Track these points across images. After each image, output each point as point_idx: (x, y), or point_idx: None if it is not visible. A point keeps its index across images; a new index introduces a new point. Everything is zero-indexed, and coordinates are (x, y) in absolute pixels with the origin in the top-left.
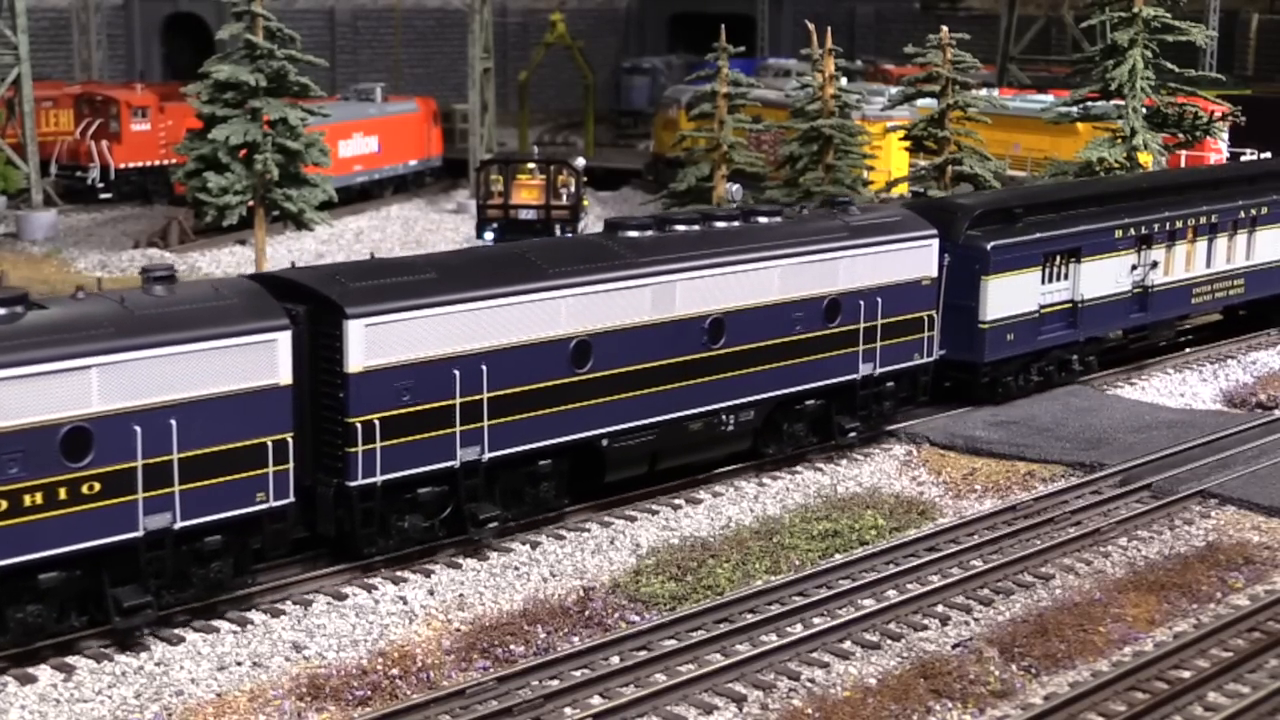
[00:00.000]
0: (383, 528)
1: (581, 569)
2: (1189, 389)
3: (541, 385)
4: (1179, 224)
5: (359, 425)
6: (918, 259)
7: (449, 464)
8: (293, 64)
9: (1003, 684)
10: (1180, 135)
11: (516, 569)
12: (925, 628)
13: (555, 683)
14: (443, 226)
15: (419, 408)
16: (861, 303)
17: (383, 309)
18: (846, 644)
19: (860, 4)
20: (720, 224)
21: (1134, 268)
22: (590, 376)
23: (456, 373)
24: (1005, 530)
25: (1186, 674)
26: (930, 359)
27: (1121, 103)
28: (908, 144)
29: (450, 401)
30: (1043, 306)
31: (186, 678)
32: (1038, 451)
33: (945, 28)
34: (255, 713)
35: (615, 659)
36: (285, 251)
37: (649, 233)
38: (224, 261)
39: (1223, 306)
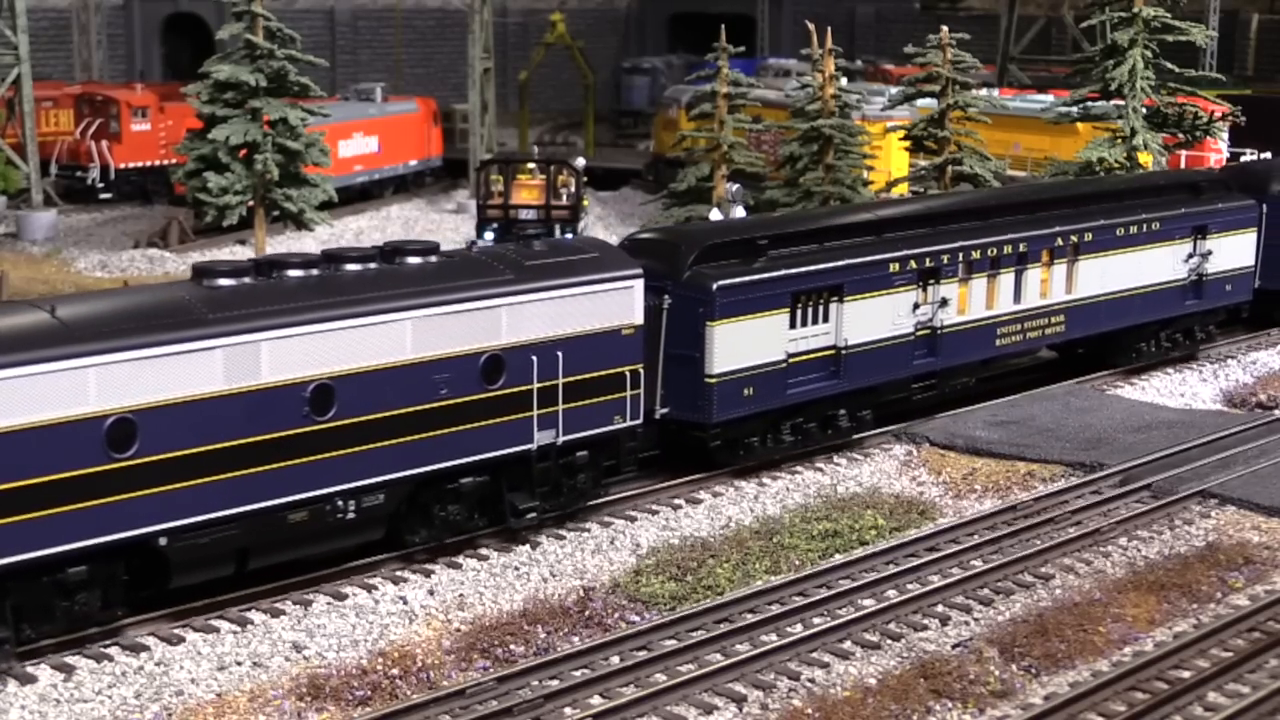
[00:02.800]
0: None
1: (581, 569)
2: (1189, 389)
3: (66, 475)
4: (976, 254)
5: None
6: (616, 304)
7: None
8: (293, 64)
9: (1003, 684)
10: (1180, 135)
11: (516, 569)
12: (925, 628)
13: (555, 683)
14: (443, 226)
15: None
16: (535, 358)
17: None
18: (846, 644)
19: (860, 4)
20: (351, 266)
21: (917, 306)
22: (136, 462)
23: None
24: (1005, 530)
25: (1186, 674)
26: (635, 421)
27: (1121, 103)
28: (908, 144)
29: None
30: (792, 355)
31: (186, 678)
32: (1038, 451)
33: (945, 28)
34: (255, 713)
35: (615, 659)
36: (285, 252)
37: (243, 281)
38: None
39: (1040, 348)
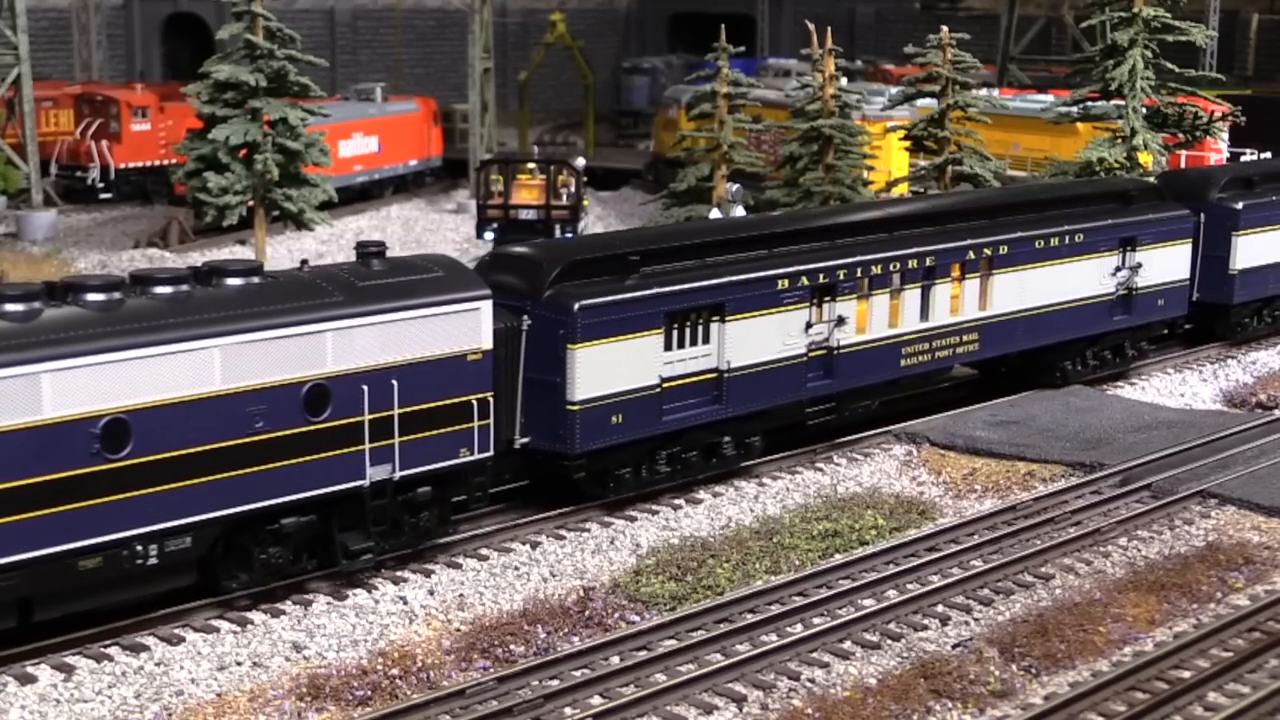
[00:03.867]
0: None
1: (581, 569)
2: (1189, 389)
3: None
4: (877, 269)
5: None
6: (460, 327)
7: None
8: (293, 64)
9: (1003, 684)
10: (1180, 135)
11: (516, 569)
12: (925, 628)
13: (555, 683)
14: (443, 226)
15: None
16: (367, 388)
17: None
18: (846, 644)
19: (860, 4)
20: (161, 289)
21: (810, 325)
22: None
23: None
24: (1005, 530)
25: (1186, 674)
26: (485, 454)
27: (1121, 103)
28: (908, 144)
29: None
30: (668, 379)
31: (186, 678)
32: (1038, 451)
33: (945, 28)
34: (255, 713)
35: (615, 659)
36: (285, 251)
37: (32, 306)
38: None
39: (952, 367)
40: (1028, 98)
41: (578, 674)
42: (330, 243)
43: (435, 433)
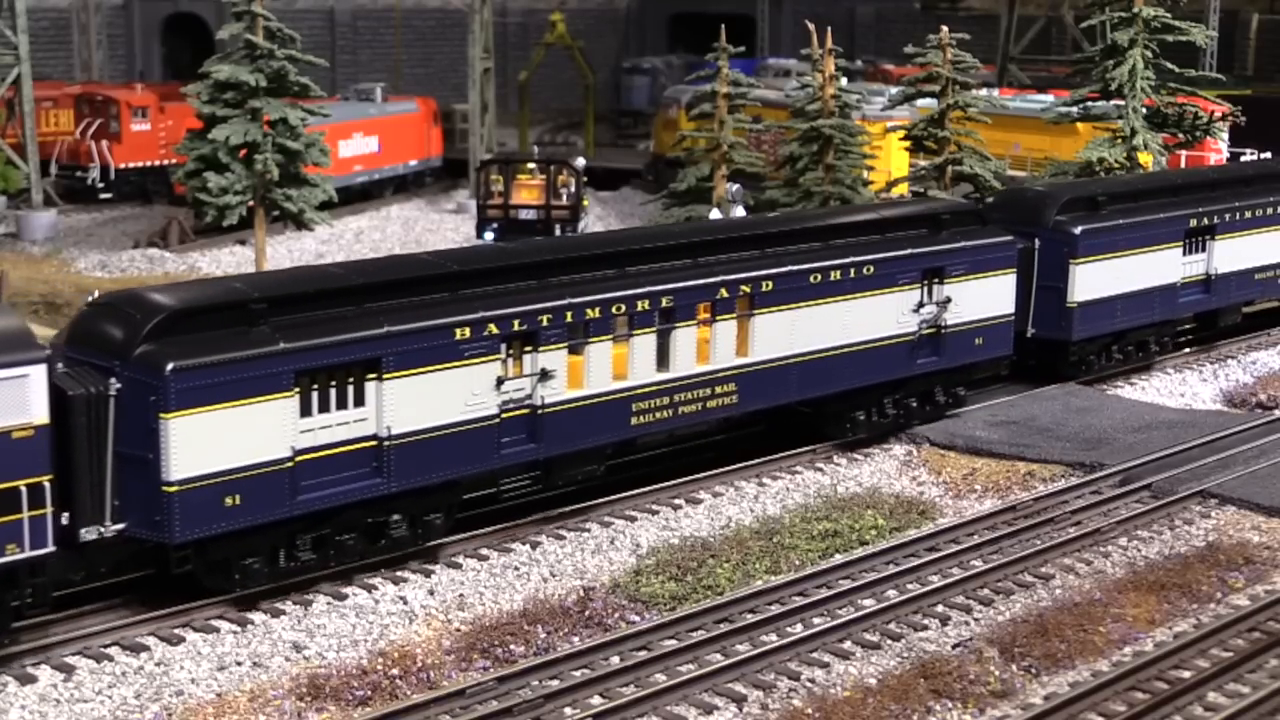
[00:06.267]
0: None
1: (581, 569)
2: (1189, 389)
3: None
4: (593, 312)
5: None
6: (1, 397)
7: None
8: (293, 64)
9: (1003, 684)
10: (1180, 135)
11: (516, 569)
12: (925, 628)
13: (555, 683)
14: (443, 226)
15: None
16: None
17: None
18: (846, 644)
19: (860, 4)
20: None
21: (502, 381)
22: None
23: None
24: (1005, 530)
25: (1186, 674)
26: (42, 550)
27: (1121, 103)
28: (908, 144)
29: None
30: (304, 450)
31: (186, 678)
32: (1038, 451)
33: (945, 28)
34: (255, 713)
35: (615, 659)
36: (285, 251)
37: None
38: (224, 262)
39: (705, 423)
40: (1028, 98)
41: (578, 674)
42: (330, 243)
43: None
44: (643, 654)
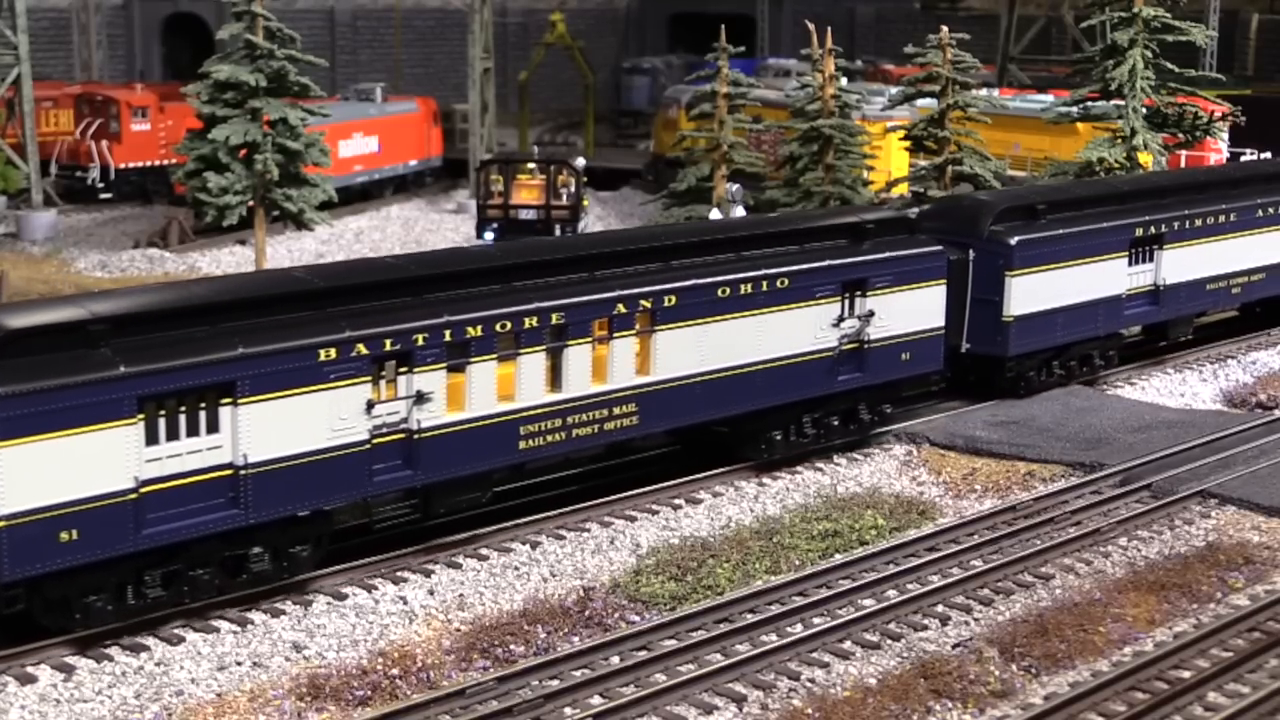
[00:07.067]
0: None
1: (581, 569)
2: (1189, 389)
3: None
4: (475, 330)
5: None
6: None
7: None
8: (293, 64)
9: (1003, 684)
10: (1180, 135)
11: (516, 569)
12: (925, 628)
13: (555, 683)
14: (443, 226)
15: None
16: None
17: None
18: (846, 644)
19: (860, 4)
20: None
21: (373, 405)
22: None
23: None
24: (1005, 530)
25: (1186, 674)
26: None
27: (1121, 103)
28: (908, 144)
29: None
30: (149, 481)
31: (186, 678)
32: (1038, 451)
33: (945, 28)
34: (255, 713)
35: (615, 659)
36: (285, 251)
37: None
38: (224, 261)
39: (602, 446)
40: (1028, 98)
41: (578, 674)
42: (330, 243)
43: None
44: (643, 654)
